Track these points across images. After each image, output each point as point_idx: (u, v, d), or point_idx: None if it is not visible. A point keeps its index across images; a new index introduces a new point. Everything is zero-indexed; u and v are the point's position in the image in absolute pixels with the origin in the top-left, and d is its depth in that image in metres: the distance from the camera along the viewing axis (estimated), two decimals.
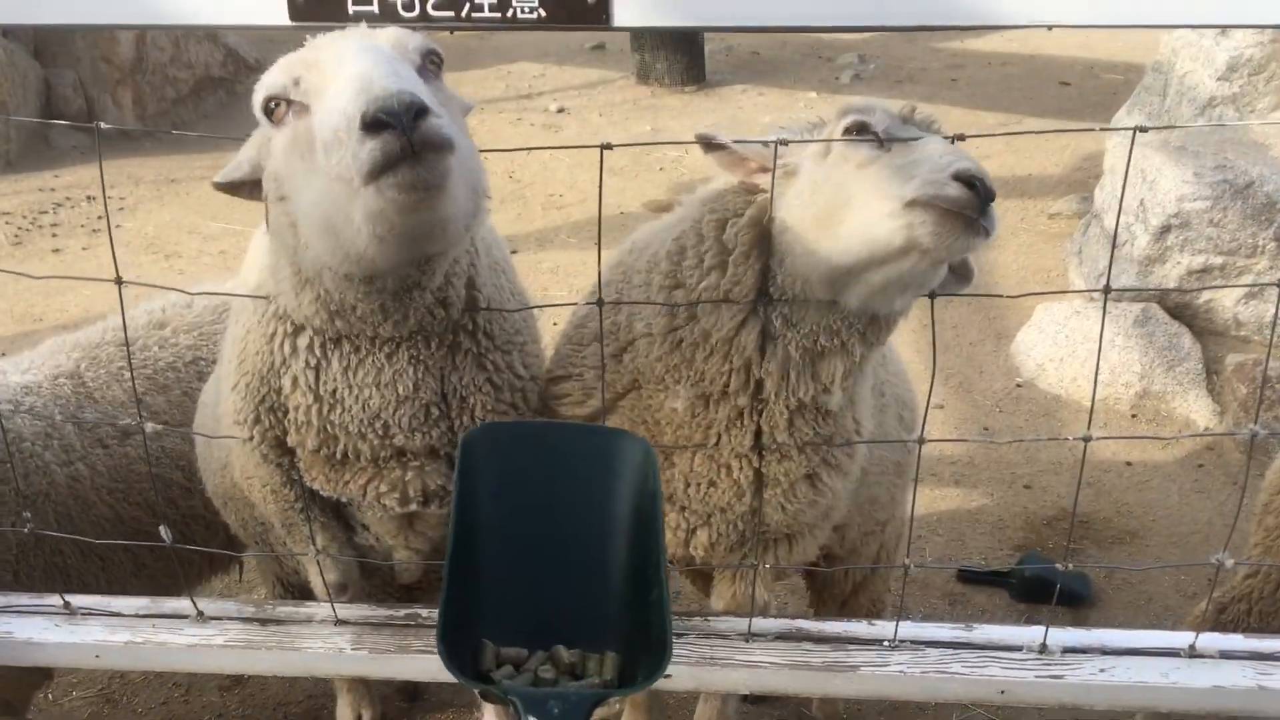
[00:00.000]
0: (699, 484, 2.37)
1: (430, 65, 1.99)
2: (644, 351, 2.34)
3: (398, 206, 1.78)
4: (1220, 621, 3.53)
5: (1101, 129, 6.68)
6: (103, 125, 2.02)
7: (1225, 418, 5.48)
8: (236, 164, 2.13)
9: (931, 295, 2.17)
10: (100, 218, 8.15)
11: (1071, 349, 5.86)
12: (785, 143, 2.11)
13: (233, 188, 2.14)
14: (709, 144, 2.29)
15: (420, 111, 1.69)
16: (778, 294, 2.16)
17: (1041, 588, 4.30)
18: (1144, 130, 2.01)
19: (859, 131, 2.09)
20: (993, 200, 1.90)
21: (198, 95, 10.52)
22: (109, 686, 3.81)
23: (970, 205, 1.89)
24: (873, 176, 2.01)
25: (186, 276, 7.16)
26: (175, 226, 8.06)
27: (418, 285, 2.09)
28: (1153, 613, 4.32)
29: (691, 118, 10.76)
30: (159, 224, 8.09)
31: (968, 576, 4.53)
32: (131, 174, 8.90)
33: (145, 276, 7.21)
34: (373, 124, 1.68)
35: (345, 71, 1.78)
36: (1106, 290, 2.09)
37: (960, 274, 2.27)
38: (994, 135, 2.06)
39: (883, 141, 2.05)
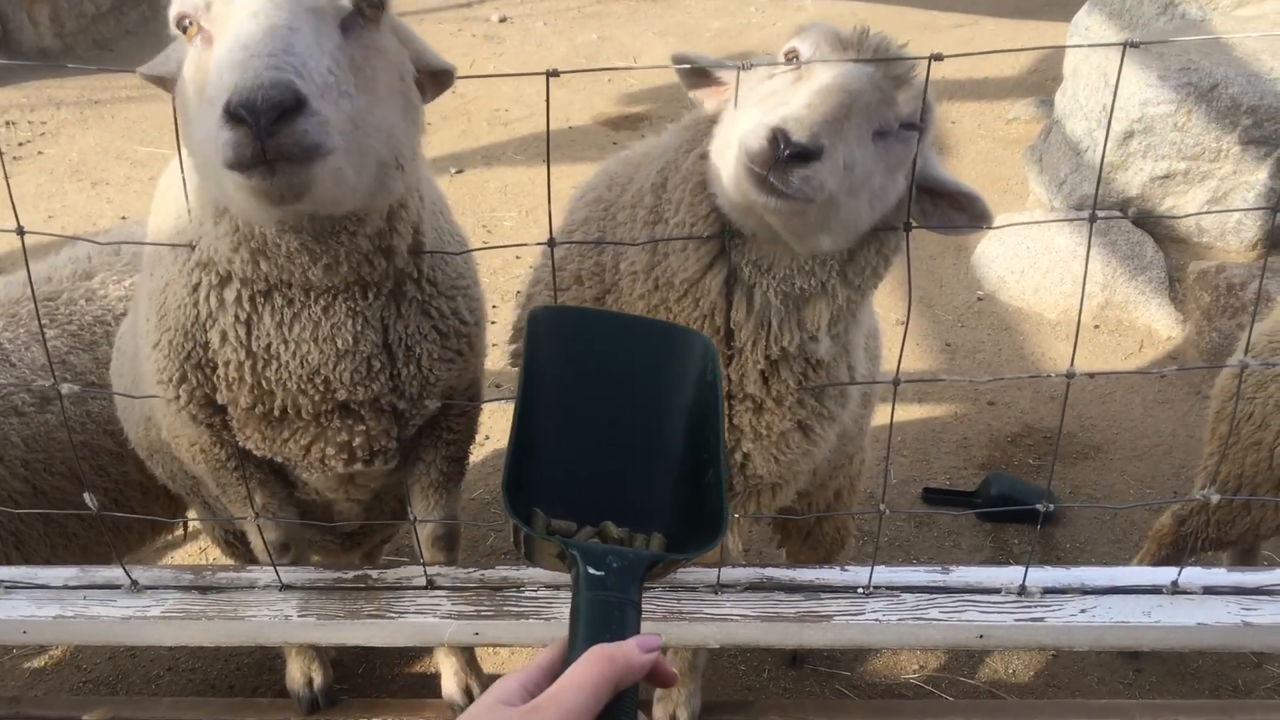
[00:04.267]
0: None
1: (365, 11, 1.77)
2: (627, 290, 2.18)
3: (250, 204, 1.66)
4: (1180, 534, 3.51)
5: (1091, 45, 6.49)
6: None
7: (1187, 325, 5.43)
8: (164, 56, 1.96)
9: (906, 227, 2.02)
10: (22, 144, 7.76)
11: (1033, 260, 5.76)
12: (750, 66, 1.93)
13: (159, 81, 1.96)
14: (683, 66, 2.11)
15: (286, 113, 1.51)
16: (736, 231, 2.00)
17: (1007, 507, 4.26)
18: (1134, 45, 1.84)
19: (791, 59, 1.92)
20: (803, 158, 1.71)
21: (119, 9, 10.00)
22: (49, 644, 3.66)
23: (758, 160, 1.73)
24: (748, 113, 1.87)
25: (115, 205, 6.84)
26: (101, 151, 7.69)
27: (345, 230, 1.90)
28: (1118, 527, 4.30)
29: (639, 24, 10.43)
30: (83, 149, 7.71)
31: (933, 497, 4.48)
32: (52, 96, 8.46)
33: (71, 206, 6.88)
34: (234, 115, 1.50)
35: (238, 27, 1.59)
36: (1092, 219, 1.94)
37: (958, 205, 2.08)
38: (968, 55, 1.87)
39: (799, 66, 1.89)
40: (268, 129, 1.50)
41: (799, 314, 2.07)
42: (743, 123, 1.85)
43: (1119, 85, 5.51)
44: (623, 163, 2.35)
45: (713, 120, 2.08)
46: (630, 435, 1.51)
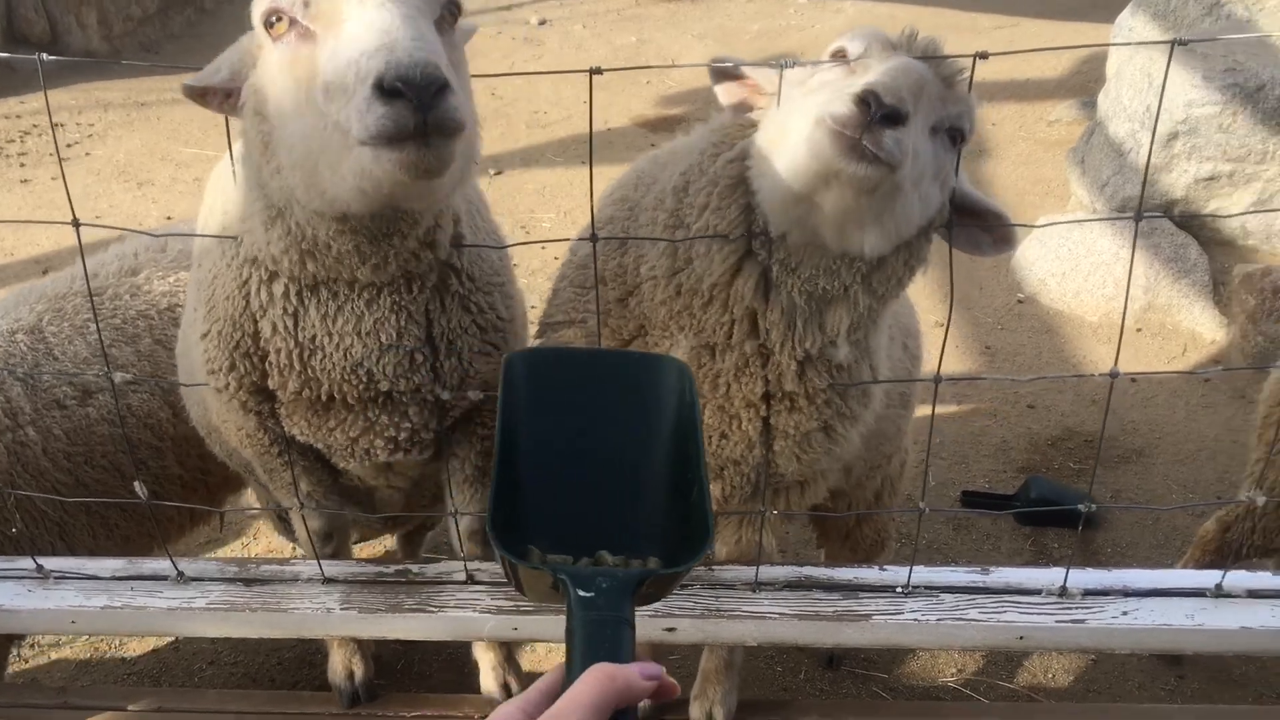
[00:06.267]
0: (710, 436, 2.24)
1: (449, 15, 1.84)
2: (649, 295, 2.18)
3: (392, 178, 1.68)
4: (1225, 540, 3.46)
5: (1139, 44, 6.42)
6: (45, 57, 1.84)
7: (1232, 329, 5.36)
8: (215, 67, 1.96)
9: (949, 226, 2.01)
10: (70, 145, 7.89)
11: (1075, 263, 5.71)
12: (791, 65, 1.93)
13: (203, 94, 1.98)
14: (720, 73, 2.12)
15: (441, 88, 1.56)
16: (763, 233, 2.00)
17: (1047, 510, 4.22)
18: (1182, 44, 1.82)
19: (838, 58, 1.91)
20: (894, 120, 1.69)
21: (165, 13, 10.14)
22: (96, 634, 3.72)
23: (849, 123, 1.70)
24: (813, 98, 1.84)
25: (160, 205, 6.94)
26: (147, 152, 7.80)
27: (398, 233, 1.95)
28: (1160, 532, 4.25)
29: (678, 27, 10.44)
30: (130, 150, 7.83)
31: (972, 500, 4.45)
32: (99, 98, 8.60)
33: (117, 206, 6.99)
34: (390, 90, 1.55)
35: (367, 16, 1.64)
36: (1138, 219, 1.94)
37: (986, 223, 2.08)
38: (1012, 53, 1.86)
39: (849, 62, 1.88)
40: (430, 103, 1.55)
41: (820, 317, 2.06)
42: (803, 109, 1.82)
43: (1165, 85, 5.45)
44: (651, 162, 2.35)
45: (742, 125, 2.07)
46: (617, 465, 1.54)
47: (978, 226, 2.09)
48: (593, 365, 1.72)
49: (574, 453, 1.55)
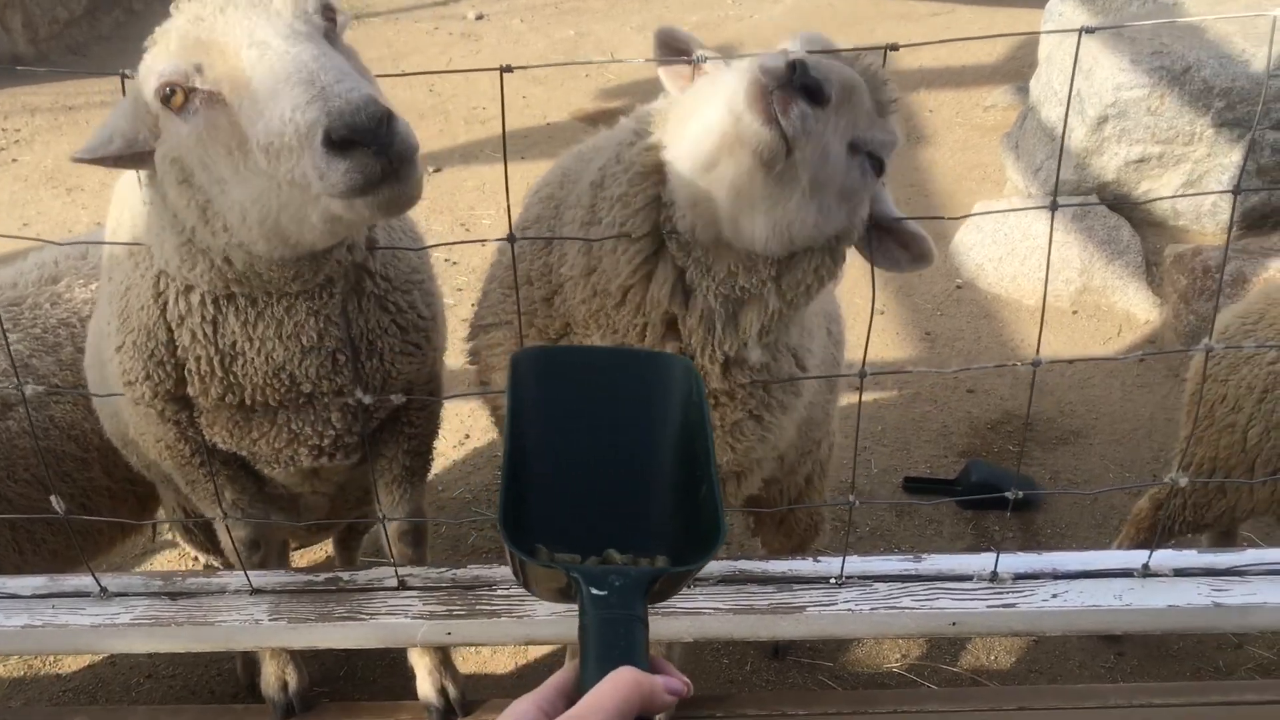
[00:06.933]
0: None
1: (328, 21, 1.76)
2: (570, 294, 2.16)
3: (369, 217, 1.68)
4: (1158, 518, 3.52)
5: (1057, 32, 6.50)
6: None
7: (1165, 309, 5.44)
8: (104, 138, 1.86)
9: (871, 250, 2.01)
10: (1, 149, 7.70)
11: (1011, 247, 5.77)
12: (704, 59, 1.92)
13: (98, 163, 1.90)
14: (667, 48, 2.09)
15: (387, 118, 1.51)
16: (674, 230, 1.97)
17: (988, 494, 4.25)
18: (1090, 31, 1.83)
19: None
20: (812, 95, 1.67)
21: (92, 15, 9.92)
22: (18, 654, 3.64)
23: (772, 74, 1.67)
24: (731, 70, 1.83)
25: (90, 211, 6.80)
26: None
27: (339, 246, 1.92)
28: (1098, 512, 4.31)
29: (617, 20, 10.41)
30: (58, 155, 7.64)
31: (914, 486, 4.48)
32: (26, 103, 8.40)
33: (45, 213, 6.84)
34: (341, 144, 1.50)
35: (274, 66, 1.58)
36: (1053, 207, 1.95)
37: (902, 241, 2.08)
38: (932, 44, 1.86)
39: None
40: (387, 138, 1.50)
41: (735, 320, 2.05)
42: (731, 71, 1.79)
43: (1075, 70, 5.52)
44: (576, 158, 2.31)
45: (664, 111, 2.05)
46: (625, 464, 1.53)
47: (894, 242, 2.08)
48: (599, 364, 1.70)
49: (581, 451, 1.53)
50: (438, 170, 7.30)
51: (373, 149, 1.50)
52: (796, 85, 1.67)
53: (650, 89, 2.21)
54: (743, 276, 1.97)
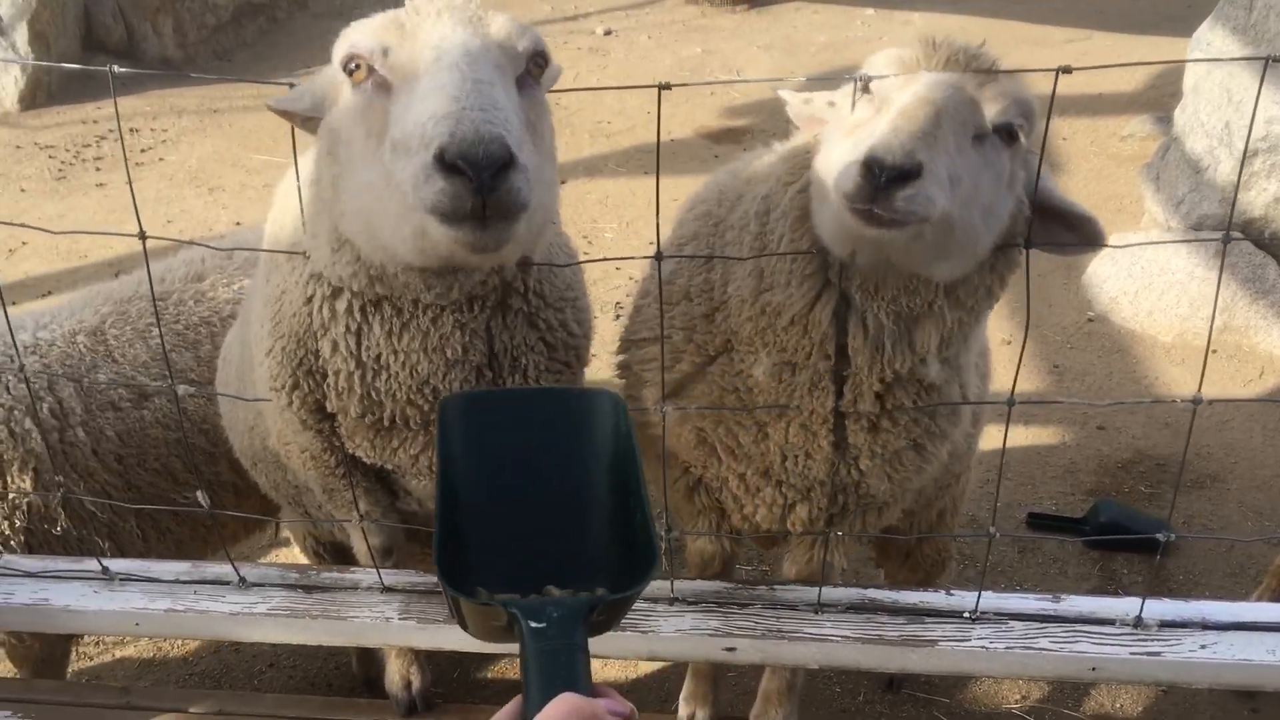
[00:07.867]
0: (795, 456, 2.21)
1: (533, 70, 1.81)
2: (735, 312, 2.16)
3: (448, 250, 1.68)
4: None
5: (1228, 61, 6.27)
6: (116, 69, 1.85)
7: None
8: (299, 94, 1.95)
9: (1026, 245, 1.95)
10: (144, 150, 8.04)
11: (1148, 281, 5.57)
12: (849, 81, 1.91)
13: (288, 115, 1.98)
14: (784, 88, 2.14)
15: (504, 167, 1.52)
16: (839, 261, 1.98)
17: (1116, 535, 4.11)
18: (1278, 60, 1.75)
19: (864, 87, 1.88)
20: (904, 179, 1.66)
21: (238, 22, 10.33)
22: (160, 637, 3.76)
23: (858, 197, 1.69)
24: (841, 147, 1.84)
25: (230, 211, 7.05)
26: (218, 159, 7.93)
27: (464, 269, 1.93)
28: (1234, 560, 4.12)
29: (744, 39, 10.41)
30: (202, 156, 7.96)
31: (1038, 523, 4.35)
32: (174, 104, 8.77)
33: (188, 211, 7.11)
34: (449, 166, 1.52)
35: (441, 77, 1.61)
36: (1225, 239, 1.87)
37: (1070, 224, 2.01)
38: (1093, 69, 1.80)
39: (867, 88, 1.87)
40: (490, 184, 1.51)
41: (910, 336, 2.02)
42: (835, 159, 1.82)
43: (1258, 104, 5.31)
44: (732, 176, 2.31)
45: (810, 151, 2.04)
46: (561, 499, 1.56)
47: (1059, 225, 2.01)
48: (527, 403, 1.75)
49: (516, 490, 1.56)
50: (562, 183, 7.37)
51: (474, 184, 1.51)
52: (885, 186, 1.67)
53: (774, 108, 2.21)
54: (914, 295, 1.96)
